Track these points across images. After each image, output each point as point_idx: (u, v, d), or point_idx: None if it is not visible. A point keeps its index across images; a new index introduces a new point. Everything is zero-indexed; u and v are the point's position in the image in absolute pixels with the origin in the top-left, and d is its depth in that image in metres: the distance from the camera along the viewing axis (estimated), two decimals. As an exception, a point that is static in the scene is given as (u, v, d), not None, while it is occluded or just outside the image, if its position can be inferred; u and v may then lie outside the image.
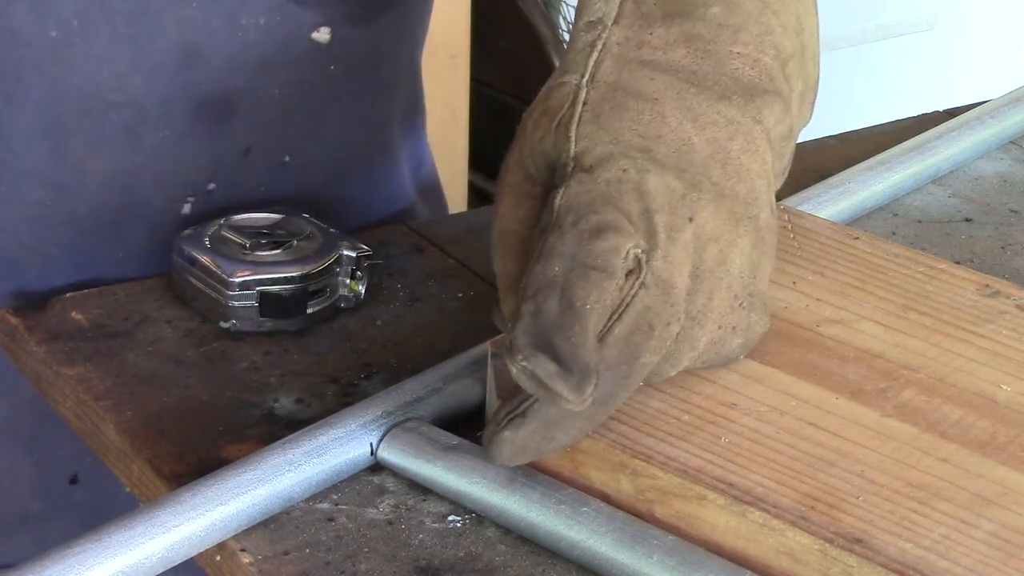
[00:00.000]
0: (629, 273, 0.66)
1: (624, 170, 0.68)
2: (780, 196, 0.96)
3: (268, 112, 0.91)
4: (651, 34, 0.72)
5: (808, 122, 0.79)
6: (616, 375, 0.66)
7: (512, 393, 0.66)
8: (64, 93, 0.86)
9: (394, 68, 0.98)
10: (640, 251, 0.67)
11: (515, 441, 0.66)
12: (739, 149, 0.71)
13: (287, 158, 0.93)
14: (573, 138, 0.69)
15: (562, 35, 2.05)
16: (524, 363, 0.63)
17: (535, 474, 0.69)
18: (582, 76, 0.71)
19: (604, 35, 0.72)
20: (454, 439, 0.72)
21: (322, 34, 0.90)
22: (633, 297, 0.66)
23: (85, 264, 0.90)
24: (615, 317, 0.66)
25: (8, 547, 0.97)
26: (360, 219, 0.98)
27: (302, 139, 0.94)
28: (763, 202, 0.72)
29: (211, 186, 0.91)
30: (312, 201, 0.94)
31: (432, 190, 1.10)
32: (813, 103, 0.79)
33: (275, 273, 0.82)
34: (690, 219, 0.68)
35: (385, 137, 1.00)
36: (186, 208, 0.91)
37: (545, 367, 0.63)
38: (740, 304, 0.70)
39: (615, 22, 0.72)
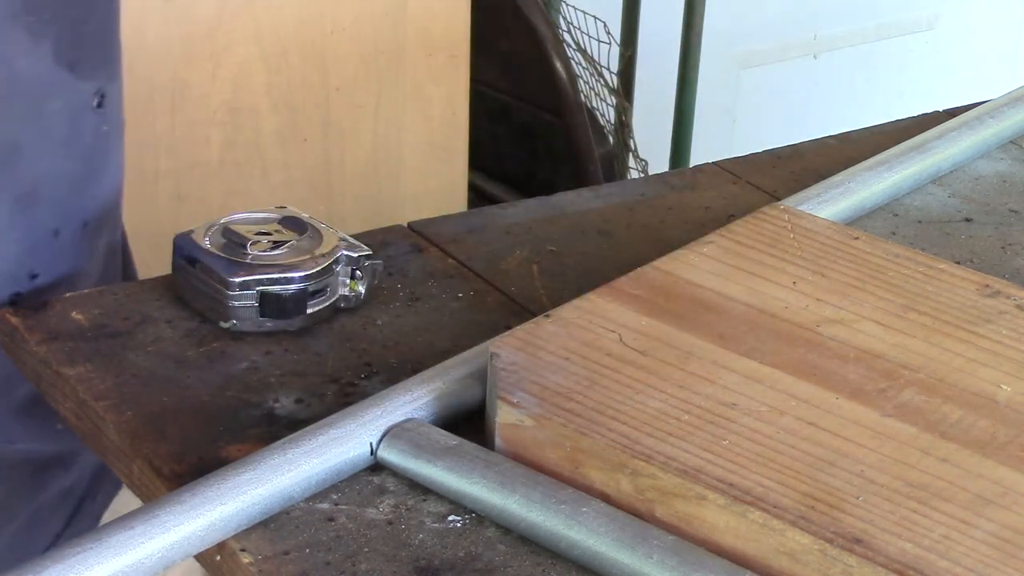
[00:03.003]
0: None
1: None
2: (780, 196, 0.97)
3: None
4: None
5: None
6: None
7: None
8: None
9: None
10: None
11: None
12: None
13: None
14: None
15: (562, 35, 2.04)
16: None
17: (535, 474, 0.69)
18: None
19: None
20: (454, 439, 0.72)
21: None
22: None
23: None
24: None
25: None
26: None
27: None
28: None
29: None
30: None
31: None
32: None
33: (275, 273, 0.82)
34: None
35: None
36: None
37: None
38: None
39: None
